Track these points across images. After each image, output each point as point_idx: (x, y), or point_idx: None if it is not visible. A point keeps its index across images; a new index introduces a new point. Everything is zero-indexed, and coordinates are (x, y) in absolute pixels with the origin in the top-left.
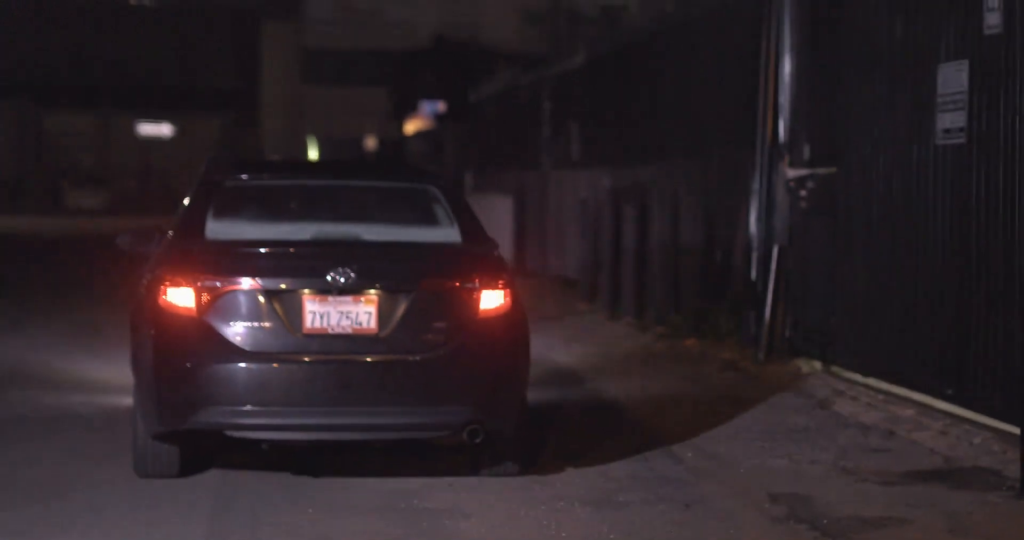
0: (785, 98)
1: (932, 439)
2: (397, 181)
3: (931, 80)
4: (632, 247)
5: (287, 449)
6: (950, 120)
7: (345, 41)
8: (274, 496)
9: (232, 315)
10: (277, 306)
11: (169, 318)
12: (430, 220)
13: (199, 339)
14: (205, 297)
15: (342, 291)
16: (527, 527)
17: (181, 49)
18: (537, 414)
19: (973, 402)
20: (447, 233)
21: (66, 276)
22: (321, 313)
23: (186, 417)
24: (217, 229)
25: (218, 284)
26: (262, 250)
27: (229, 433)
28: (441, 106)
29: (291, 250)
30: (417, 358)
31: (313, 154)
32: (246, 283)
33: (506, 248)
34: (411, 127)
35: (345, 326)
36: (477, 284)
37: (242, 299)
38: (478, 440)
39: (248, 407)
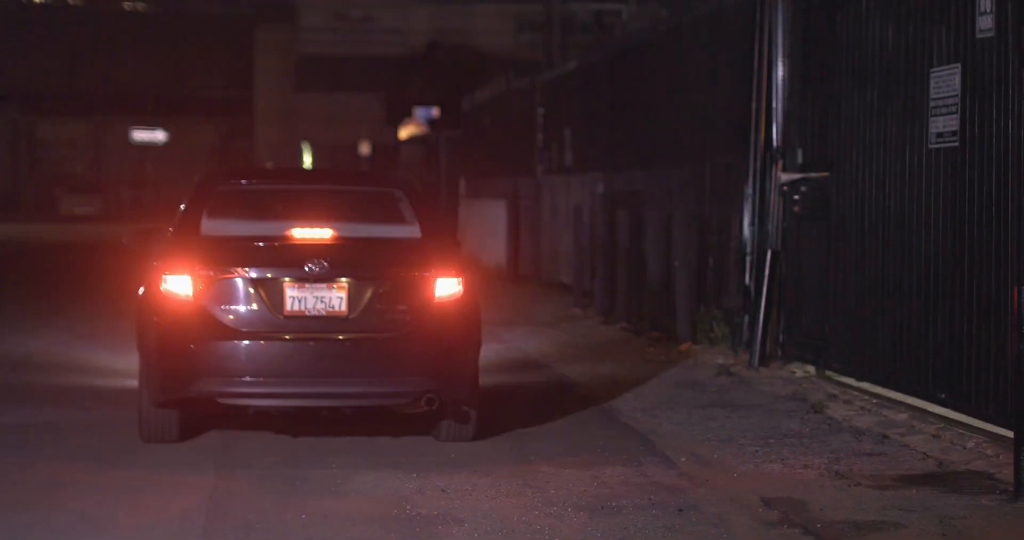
0: (778, 103)
1: (925, 443)
2: (366, 185)
3: (923, 84)
4: (626, 252)
5: (269, 414)
6: (943, 124)
7: (338, 48)
8: (264, 503)
9: (223, 300)
10: (262, 292)
11: (169, 303)
12: (395, 219)
13: (195, 320)
14: (200, 285)
15: (317, 279)
16: (520, 533)
17: (175, 56)
18: (537, 413)
19: (966, 406)
20: (410, 230)
21: (67, 276)
22: (299, 298)
23: (184, 387)
24: (211, 227)
25: (211, 273)
26: (249, 245)
27: (221, 400)
28: (435, 112)
29: (274, 244)
30: (382, 336)
31: (307, 160)
32: (235, 272)
33: (500, 253)
34: (405, 133)
35: (320, 309)
36: (434, 273)
37: (232, 286)
38: (434, 407)
39: (237, 378)
